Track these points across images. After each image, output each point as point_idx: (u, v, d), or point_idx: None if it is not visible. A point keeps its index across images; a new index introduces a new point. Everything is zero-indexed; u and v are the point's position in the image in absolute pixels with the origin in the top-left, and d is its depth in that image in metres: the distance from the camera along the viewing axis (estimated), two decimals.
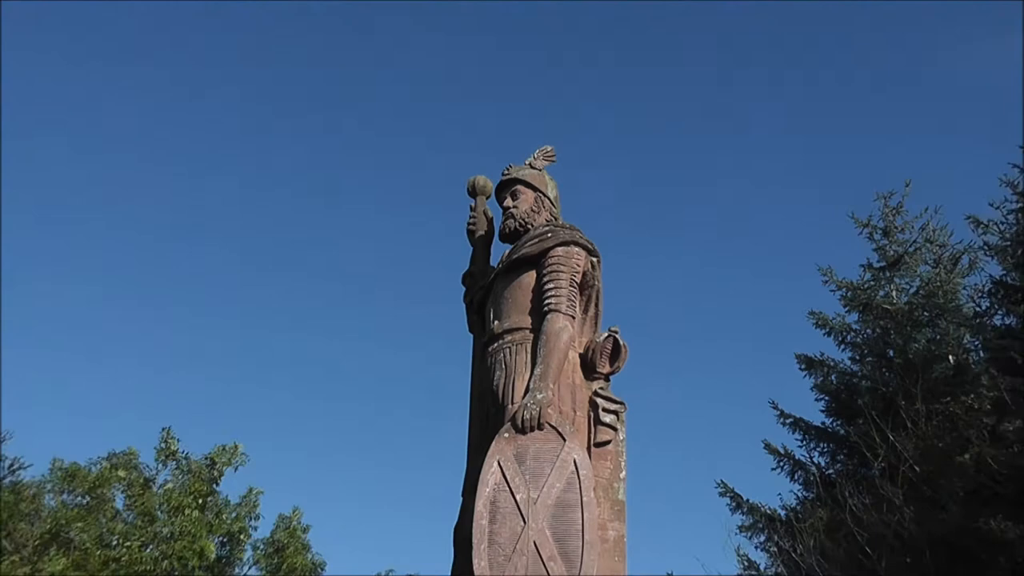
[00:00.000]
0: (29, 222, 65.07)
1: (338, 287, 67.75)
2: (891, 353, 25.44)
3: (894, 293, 26.27)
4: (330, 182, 69.27)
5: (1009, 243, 22.69)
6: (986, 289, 23.70)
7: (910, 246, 26.63)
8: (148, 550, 21.73)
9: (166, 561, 21.73)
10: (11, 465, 33.45)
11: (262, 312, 65.41)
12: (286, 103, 70.59)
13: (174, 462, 23.80)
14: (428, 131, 68.17)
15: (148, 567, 21.36)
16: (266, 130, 69.92)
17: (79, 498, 23.80)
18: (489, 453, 11.70)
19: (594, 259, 12.79)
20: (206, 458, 23.78)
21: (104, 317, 64.06)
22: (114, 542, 22.12)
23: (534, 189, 13.15)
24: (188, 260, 66.47)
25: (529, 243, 12.68)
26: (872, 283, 26.51)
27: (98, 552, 21.50)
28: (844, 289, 26.63)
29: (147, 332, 63.56)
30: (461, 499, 12.50)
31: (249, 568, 24.02)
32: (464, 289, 13.79)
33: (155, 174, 67.67)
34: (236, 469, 23.91)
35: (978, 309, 24.52)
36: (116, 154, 68.41)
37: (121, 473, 23.56)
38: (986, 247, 24.02)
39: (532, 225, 12.90)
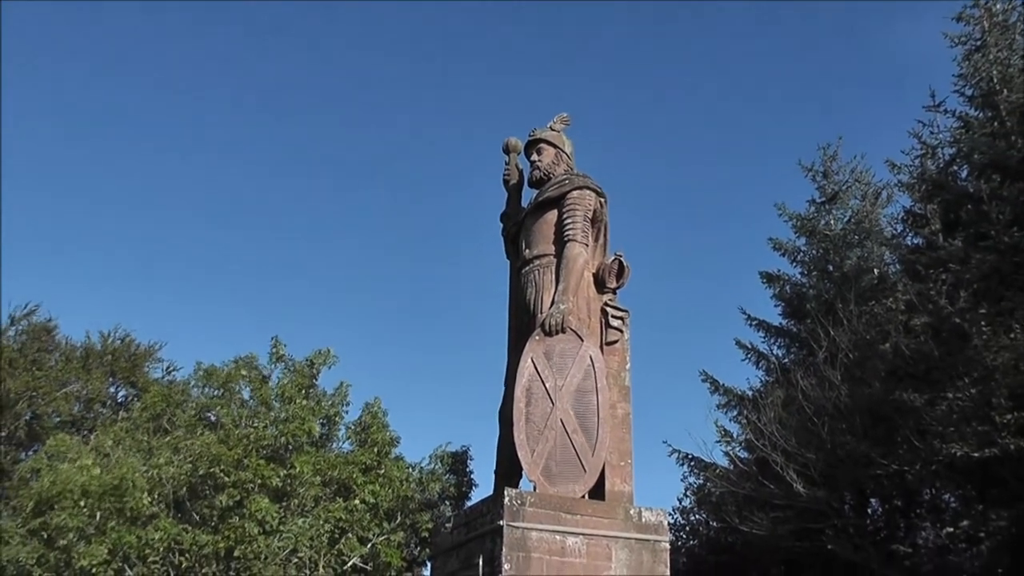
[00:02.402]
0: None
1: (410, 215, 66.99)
2: (831, 268, 25.39)
3: (832, 221, 26.14)
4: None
5: (916, 181, 22.52)
6: (900, 217, 23.55)
7: (843, 185, 26.48)
8: (269, 430, 21.65)
9: (283, 438, 21.67)
10: (167, 367, 33.70)
11: (359, 233, 64.98)
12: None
13: (282, 363, 23.69)
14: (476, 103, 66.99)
15: (270, 442, 21.31)
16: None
17: (215, 391, 23.76)
18: (524, 351, 11.96)
19: (602, 199, 13.05)
20: (307, 360, 23.67)
21: (228, 250, 63.84)
22: (243, 424, 22.06)
23: (554, 146, 13.40)
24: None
25: (551, 188, 12.97)
26: (815, 214, 26.40)
27: (235, 431, 21.48)
28: (794, 220, 26.48)
29: (258, 256, 63.08)
30: (503, 387, 12.63)
31: (343, 443, 23.97)
32: (501, 226, 13.96)
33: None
34: (330, 367, 23.81)
35: (894, 232, 24.31)
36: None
37: (244, 372, 23.47)
38: (899, 184, 23.74)
39: (553, 174, 13.16)
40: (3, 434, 31.07)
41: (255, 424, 21.80)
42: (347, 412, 23.75)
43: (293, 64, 66.11)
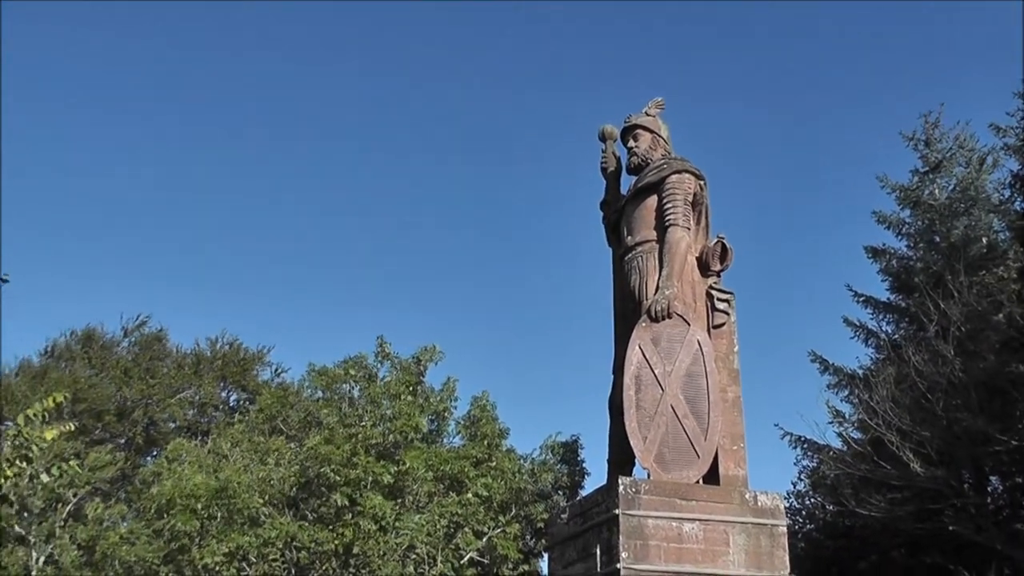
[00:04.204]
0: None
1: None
2: (937, 239, 24.74)
3: (936, 191, 25.43)
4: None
5: (1022, 143, 21.87)
6: (1007, 182, 22.91)
7: (947, 152, 25.76)
8: (377, 428, 21.90)
9: (391, 435, 21.90)
10: (276, 369, 34.36)
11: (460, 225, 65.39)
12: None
13: (388, 362, 23.94)
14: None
15: (379, 439, 21.56)
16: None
17: (323, 392, 24.15)
18: (631, 339, 11.94)
19: (701, 182, 12.97)
20: (413, 357, 23.88)
21: (335, 251, 64.65)
22: (351, 422, 22.37)
23: (651, 131, 13.33)
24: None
25: (650, 174, 12.92)
26: (919, 184, 25.70)
27: (341, 430, 21.78)
28: (898, 191, 25.85)
29: (361, 255, 63.70)
30: (612, 376, 12.63)
31: (453, 437, 24.14)
32: (602, 214, 13.92)
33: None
34: (436, 363, 23.97)
35: (1002, 198, 23.66)
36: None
37: (352, 371, 23.79)
38: (1005, 148, 23.09)
39: (651, 160, 13.11)
40: (122, 440, 31.99)
41: (363, 422, 22.10)
42: (455, 407, 23.92)
43: (384, 57, 66.58)
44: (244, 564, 20.67)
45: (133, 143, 61.98)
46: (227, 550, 20.35)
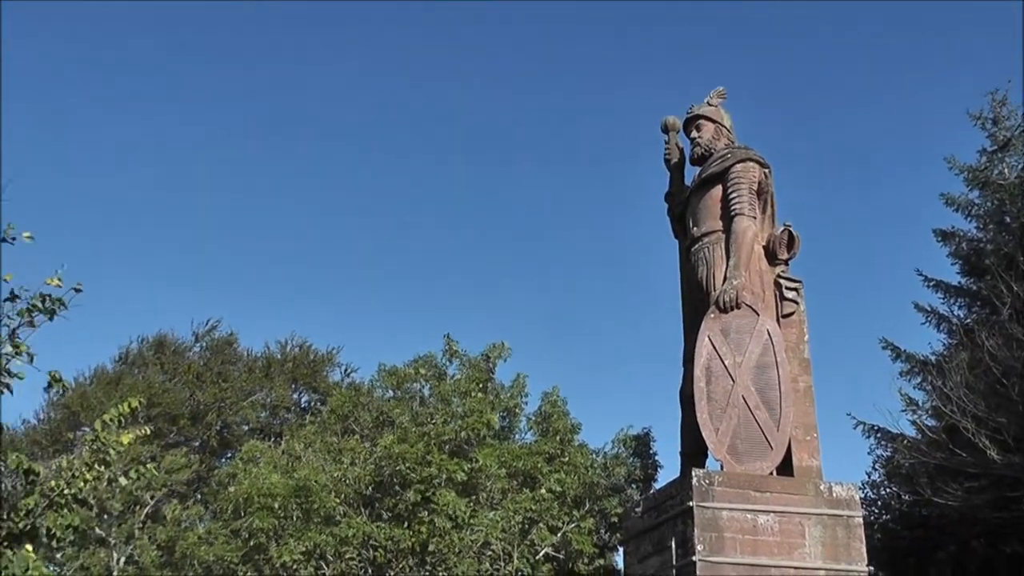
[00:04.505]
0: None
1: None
2: (1008, 220, 24.25)
3: (1006, 170, 24.94)
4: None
5: None
6: None
7: (1015, 130, 25.24)
8: (449, 425, 22.04)
9: (463, 432, 22.02)
10: (346, 369, 34.70)
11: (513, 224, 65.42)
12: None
13: (457, 360, 24.07)
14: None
15: (451, 437, 21.69)
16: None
17: (394, 391, 24.35)
18: (700, 330, 11.89)
19: (766, 170, 12.86)
20: (482, 354, 24.00)
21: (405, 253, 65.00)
22: (423, 421, 22.54)
23: (713, 121, 13.27)
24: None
25: (714, 164, 12.85)
26: (987, 164, 25.19)
27: (414, 429, 21.94)
28: (966, 172, 25.35)
29: (424, 255, 63.99)
30: (682, 368, 12.60)
31: (524, 434, 24.23)
32: (667, 206, 13.86)
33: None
34: (505, 360, 24.09)
35: None
36: None
37: (422, 370, 23.96)
38: None
39: (715, 150, 13.04)
40: (197, 443, 32.54)
41: (434, 420, 22.25)
42: (526, 403, 24.03)
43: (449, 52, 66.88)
44: (322, 563, 20.94)
45: (196, 149, 63.03)
46: (304, 549, 20.64)
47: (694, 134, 13.27)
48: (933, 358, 23.45)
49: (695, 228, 12.72)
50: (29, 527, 7.18)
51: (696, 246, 12.60)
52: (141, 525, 26.97)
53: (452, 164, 66.34)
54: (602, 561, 22.82)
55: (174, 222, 61.41)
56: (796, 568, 10.73)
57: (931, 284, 25.17)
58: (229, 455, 32.56)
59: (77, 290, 7.00)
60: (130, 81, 63.40)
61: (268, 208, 63.75)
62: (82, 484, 7.76)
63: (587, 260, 65.49)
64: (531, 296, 63.99)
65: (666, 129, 13.86)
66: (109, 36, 63.19)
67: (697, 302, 12.44)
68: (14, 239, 6.70)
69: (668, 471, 22.47)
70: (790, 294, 12.33)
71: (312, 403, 34.35)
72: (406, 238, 64.28)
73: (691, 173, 13.45)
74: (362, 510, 21.79)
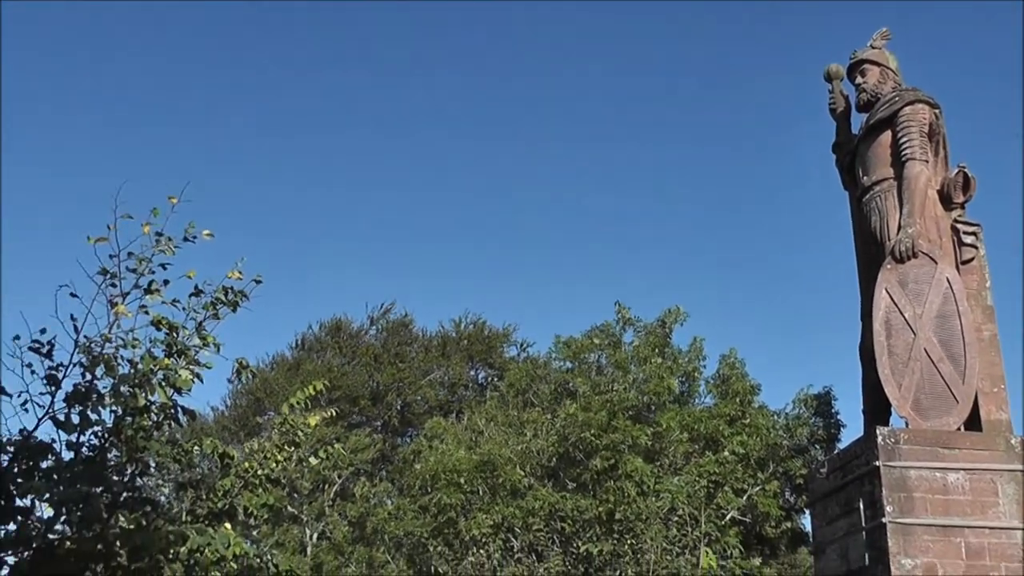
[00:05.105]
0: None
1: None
2: None
3: None
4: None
5: None
6: None
7: None
8: (630, 392, 22.34)
9: (644, 397, 22.31)
10: (522, 344, 35.30)
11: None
12: None
13: (631, 327, 24.34)
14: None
15: (633, 403, 22.02)
16: None
17: (572, 363, 24.76)
18: (877, 283, 11.71)
19: (936, 111, 12.51)
20: (657, 320, 24.18)
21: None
22: (603, 389, 22.90)
23: (878, 65, 12.96)
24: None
25: (881, 109, 12.58)
26: None
27: (595, 397, 22.33)
28: None
29: (596, 223, 63.97)
30: (860, 322, 12.42)
31: (704, 397, 24.35)
32: (835, 157, 13.65)
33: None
34: (681, 324, 24.22)
35: None
36: None
37: (597, 340, 24.32)
38: None
39: (881, 94, 12.74)
40: (379, 424, 33.71)
41: (615, 387, 22.58)
42: (704, 366, 24.14)
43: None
44: (510, 535, 21.57)
45: (360, 134, 64.64)
46: (492, 522, 21.31)
47: (859, 80, 12.98)
48: None
49: (865, 177, 12.49)
50: (227, 506, 7.75)
51: (867, 196, 12.38)
52: (331, 503, 28.23)
53: (619, 129, 66.25)
54: (789, 524, 22.82)
55: (341, 209, 63.26)
56: (991, 528, 10.46)
57: None
58: (410, 433, 33.67)
59: (257, 281, 7.45)
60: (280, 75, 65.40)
61: (430, 188, 64.91)
62: (274, 465, 8.31)
63: (756, 218, 64.59)
64: (703, 258, 63.52)
65: (829, 77, 13.57)
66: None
67: (871, 254, 12.23)
68: (195, 237, 7.18)
69: (851, 430, 22.25)
70: (968, 239, 11.99)
71: (489, 379, 35.11)
72: (571, 209, 64.56)
73: (858, 121, 13.19)
74: (547, 481, 22.32)
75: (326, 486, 28.49)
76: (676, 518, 20.88)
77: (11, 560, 6.25)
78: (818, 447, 22.83)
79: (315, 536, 28.06)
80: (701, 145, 65.51)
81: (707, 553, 20.68)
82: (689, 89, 66.36)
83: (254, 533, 23.22)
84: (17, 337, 6.53)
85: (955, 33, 59.94)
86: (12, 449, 6.36)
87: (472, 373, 35.79)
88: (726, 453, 21.53)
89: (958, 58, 56.14)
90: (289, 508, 27.31)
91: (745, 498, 21.58)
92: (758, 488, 21.67)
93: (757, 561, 21.48)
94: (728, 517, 21.39)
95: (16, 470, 6.34)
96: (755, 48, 65.74)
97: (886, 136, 12.43)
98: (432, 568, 22.72)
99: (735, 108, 66.02)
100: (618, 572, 20.45)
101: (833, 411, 23.17)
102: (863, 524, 10.77)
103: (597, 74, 67.09)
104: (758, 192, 64.91)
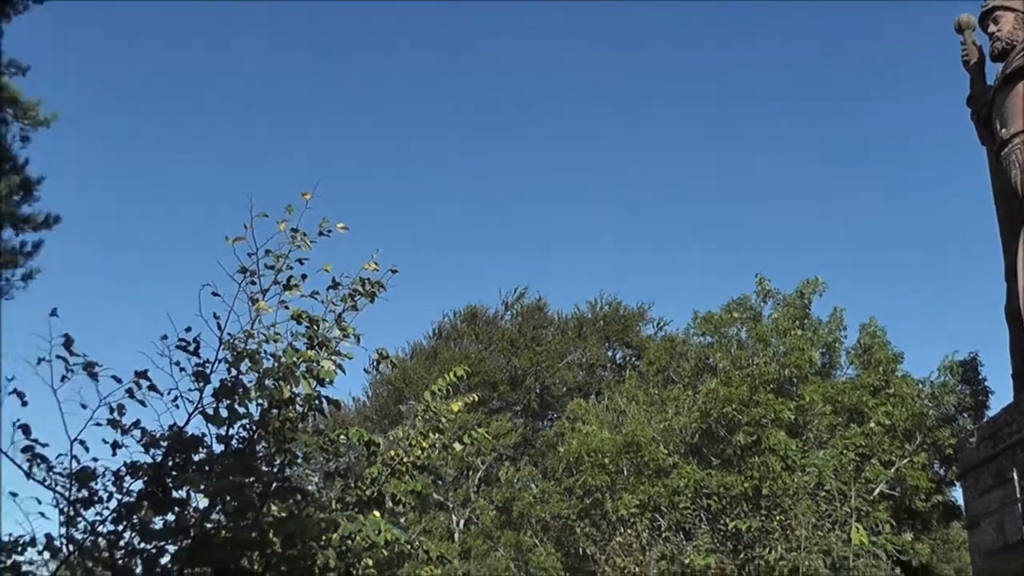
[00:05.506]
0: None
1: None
2: None
3: None
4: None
5: None
6: None
7: None
8: (771, 366, 22.07)
9: (785, 370, 22.02)
10: (658, 322, 35.19)
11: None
12: None
13: (771, 299, 24.02)
14: None
15: (775, 376, 21.77)
16: None
17: (711, 338, 24.59)
18: (1020, 241, 11.22)
19: None
20: (796, 291, 23.80)
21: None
22: (743, 364, 22.69)
23: (1012, 10, 12.39)
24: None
25: (1017, 56, 12.01)
26: None
27: (736, 372, 22.15)
28: None
29: (730, 197, 63.27)
30: (1005, 283, 11.92)
31: (846, 368, 23.93)
32: (970, 110, 13.11)
33: None
34: (820, 295, 23.79)
35: None
36: None
37: (736, 314, 24.08)
38: None
39: (1016, 41, 12.18)
40: (518, 408, 33.95)
41: (755, 362, 22.35)
42: (845, 337, 23.70)
43: None
44: (656, 514, 21.55)
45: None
46: (639, 501, 21.33)
47: (991, 28, 12.43)
48: None
49: (1003, 130, 11.92)
50: (375, 494, 7.89)
51: (1005, 149, 11.81)
52: (476, 489, 28.60)
53: (756, 94, 65.34)
54: (940, 497, 22.20)
55: (470, 196, 63.79)
56: None
57: None
58: (551, 416, 33.86)
59: (393, 271, 7.57)
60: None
61: (559, 170, 64.97)
62: (419, 452, 8.44)
63: (888, 180, 63.00)
64: (838, 227, 62.27)
65: (960, 28, 13.10)
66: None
67: (1012, 209, 11.75)
68: (330, 231, 7.33)
69: (1000, 397, 21.51)
70: None
71: (627, 358, 35.08)
72: (703, 180, 63.92)
73: (993, 72, 12.64)
74: (691, 459, 22.23)
75: (470, 472, 28.85)
76: (824, 493, 20.56)
77: (171, 548, 6.51)
78: (966, 415, 22.15)
79: (462, 522, 28.46)
80: (829, 101, 64.25)
81: (858, 528, 20.30)
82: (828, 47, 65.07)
83: (401, 520, 23.66)
84: (165, 337, 6.76)
85: None
86: (166, 444, 6.61)
87: (609, 353, 35.81)
88: (871, 424, 21.10)
89: None
90: (435, 495, 27.73)
91: (893, 471, 21.13)
92: (906, 460, 21.19)
93: (909, 536, 21.00)
94: (877, 491, 20.97)
95: (170, 463, 6.59)
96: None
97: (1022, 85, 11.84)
98: (580, 549, 22.85)
99: (866, 66, 64.48)
100: (768, 549, 20.24)
101: (980, 377, 22.42)
102: (1018, 495, 10.34)
103: (737, 44, 66.28)
104: (891, 153, 63.32)
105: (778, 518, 20.37)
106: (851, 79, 65.75)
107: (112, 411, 6.58)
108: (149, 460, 6.60)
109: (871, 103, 64.92)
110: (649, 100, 66.85)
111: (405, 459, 8.34)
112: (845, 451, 20.77)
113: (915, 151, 61.66)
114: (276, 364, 6.97)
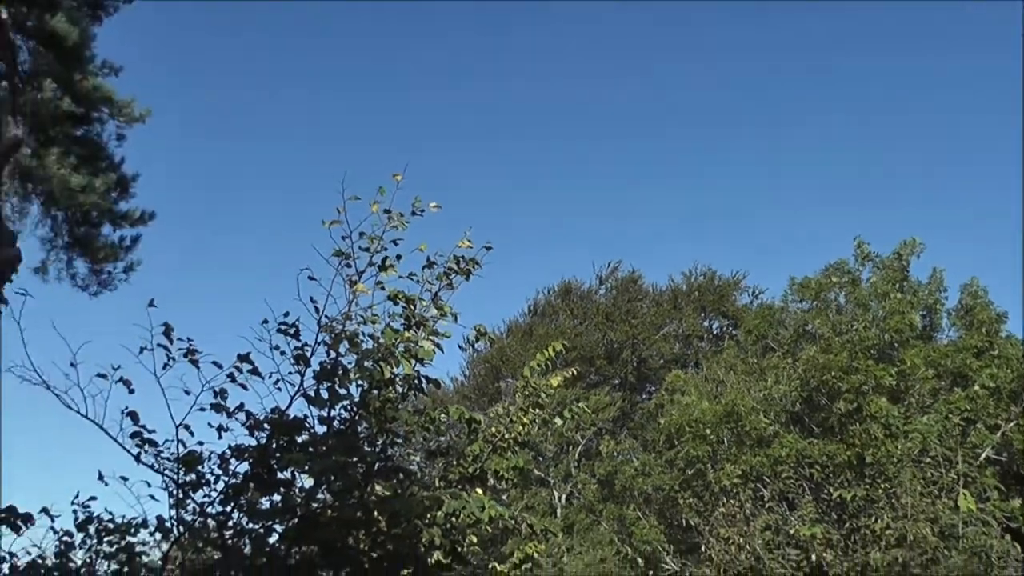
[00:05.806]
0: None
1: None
2: None
3: None
4: None
5: None
6: None
7: None
8: (871, 330, 21.71)
9: (885, 335, 21.63)
10: (754, 291, 34.80)
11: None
12: None
13: (870, 263, 23.57)
14: None
15: (875, 341, 21.40)
16: None
17: (809, 304, 24.26)
18: None
19: None
20: (894, 253, 23.31)
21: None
22: (843, 329, 22.35)
23: None
24: None
25: None
26: None
27: (836, 338, 21.82)
28: None
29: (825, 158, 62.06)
30: None
31: (947, 331, 23.39)
32: None
33: None
34: (918, 256, 23.27)
35: None
36: None
37: (834, 278, 23.70)
38: None
39: None
40: (616, 381, 33.90)
41: (855, 327, 21.98)
42: (946, 298, 23.19)
43: None
44: (759, 484, 21.34)
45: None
46: (741, 472, 21.14)
47: None
48: None
49: None
50: (477, 471, 7.93)
51: None
52: (576, 463, 28.63)
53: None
54: None
55: (561, 169, 63.55)
56: None
57: None
58: (648, 389, 33.74)
59: (487, 248, 7.54)
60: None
61: (642, 137, 64.44)
62: (520, 428, 8.45)
63: (986, 137, 61.31)
64: (933, 185, 60.82)
65: None
66: None
67: None
68: (423, 211, 7.33)
69: None
70: None
71: (724, 328, 34.77)
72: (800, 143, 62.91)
73: None
74: (792, 428, 21.96)
75: (570, 447, 28.89)
76: (929, 459, 20.14)
77: (279, 528, 6.62)
78: None
79: (563, 497, 28.51)
80: (924, 57, 62.72)
81: (965, 495, 19.83)
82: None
83: (503, 497, 23.82)
84: (265, 321, 6.85)
85: None
86: (269, 426, 6.71)
87: (706, 324, 35.56)
88: (976, 388, 20.58)
89: None
90: (536, 471, 27.80)
91: (999, 435, 20.60)
92: (1012, 424, 20.65)
93: (1017, 503, 20.48)
94: (983, 456, 20.48)
95: (275, 445, 6.69)
96: None
97: None
98: (683, 521, 22.75)
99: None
100: (873, 518, 19.89)
101: None
102: None
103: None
104: (982, 110, 61.57)
105: (883, 486, 20.00)
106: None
107: (215, 396, 6.71)
108: (253, 443, 6.73)
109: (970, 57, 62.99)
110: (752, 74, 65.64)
111: (506, 435, 8.36)
112: (949, 416, 20.29)
113: (1002, 105, 59.72)
114: (375, 345, 7.01)
